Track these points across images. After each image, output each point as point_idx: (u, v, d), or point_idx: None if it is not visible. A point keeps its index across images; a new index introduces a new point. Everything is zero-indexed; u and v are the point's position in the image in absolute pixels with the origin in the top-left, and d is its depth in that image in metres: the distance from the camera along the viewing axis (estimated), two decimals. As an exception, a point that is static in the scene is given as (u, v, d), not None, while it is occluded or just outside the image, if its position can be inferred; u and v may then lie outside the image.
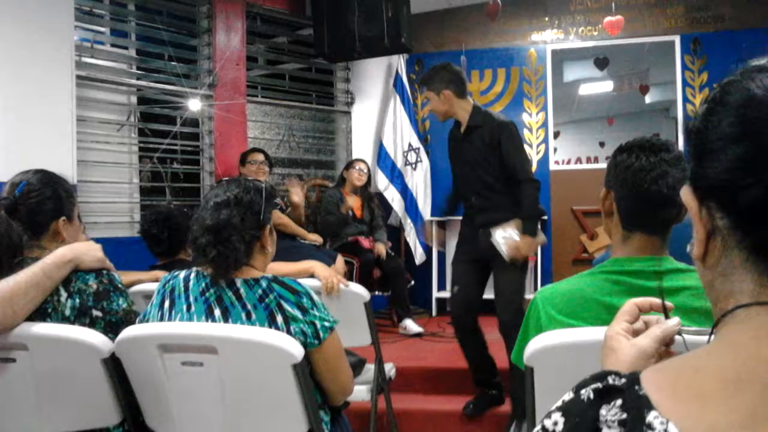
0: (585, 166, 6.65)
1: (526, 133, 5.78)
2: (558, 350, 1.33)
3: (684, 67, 5.47)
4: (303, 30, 5.64)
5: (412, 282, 5.21)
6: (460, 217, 3.58)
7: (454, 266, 3.55)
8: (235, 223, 1.65)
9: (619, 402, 0.58)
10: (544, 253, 5.62)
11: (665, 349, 0.88)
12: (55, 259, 1.71)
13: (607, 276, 1.42)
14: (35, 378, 1.70)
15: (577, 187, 5.53)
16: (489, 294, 3.36)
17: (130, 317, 1.79)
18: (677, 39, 5.48)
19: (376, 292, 4.92)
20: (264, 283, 1.64)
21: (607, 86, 8.54)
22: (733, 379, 0.55)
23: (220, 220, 1.64)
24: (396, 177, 5.71)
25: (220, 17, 4.96)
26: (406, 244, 5.75)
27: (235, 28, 5.05)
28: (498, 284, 3.31)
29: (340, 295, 2.53)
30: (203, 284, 1.67)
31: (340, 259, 4.22)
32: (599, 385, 0.61)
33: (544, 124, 5.79)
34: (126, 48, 4.66)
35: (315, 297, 1.67)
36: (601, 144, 8.85)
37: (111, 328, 1.74)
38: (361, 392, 2.68)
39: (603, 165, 1.54)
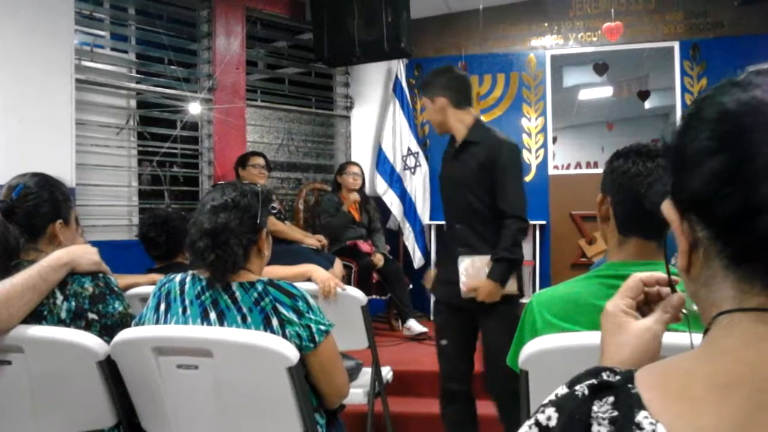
0: (583, 171, 6.66)
1: (525, 138, 5.79)
2: (553, 354, 1.33)
3: (683, 72, 5.47)
4: (303, 34, 5.65)
5: (411, 286, 5.21)
6: None
7: (435, 317, 3.00)
8: (233, 226, 1.65)
9: (611, 399, 0.59)
10: (543, 258, 5.62)
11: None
12: (51, 262, 1.71)
13: (603, 280, 1.42)
14: (31, 380, 1.70)
15: (575, 192, 5.54)
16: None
17: (126, 320, 1.79)
18: (676, 45, 5.49)
19: (374, 296, 4.92)
20: (260, 287, 1.64)
21: (606, 91, 8.54)
22: (722, 383, 0.56)
23: (217, 223, 1.64)
24: (395, 181, 5.72)
25: (220, 21, 4.97)
26: (405, 247, 5.75)
27: (235, 32, 5.06)
28: (486, 343, 2.80)
29: (337, 298, 2.53)
30: (199, 287, 1.68)
31: (338, 263, 4.22)
32: (594, 381, 0.62)
33: (543, 129, 5.80)
34: (126, 52, 4.67)
35: (311, 300, 1.67)
36: (602, 149, 8.85)
37: (107, 331, 1.74)
38: (357, 395, 2.68)
39: (601, 170, 1.54)
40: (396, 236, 5.78)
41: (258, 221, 1.70)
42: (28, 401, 1.72)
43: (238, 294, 1.64)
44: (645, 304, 0.92)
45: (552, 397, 0.63)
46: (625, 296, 0.90)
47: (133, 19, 4.67)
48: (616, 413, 0.58)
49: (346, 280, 4.46)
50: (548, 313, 1.44)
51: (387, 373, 2.99)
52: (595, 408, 0.59)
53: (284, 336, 1.59)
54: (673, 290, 0.89)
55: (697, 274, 0.64)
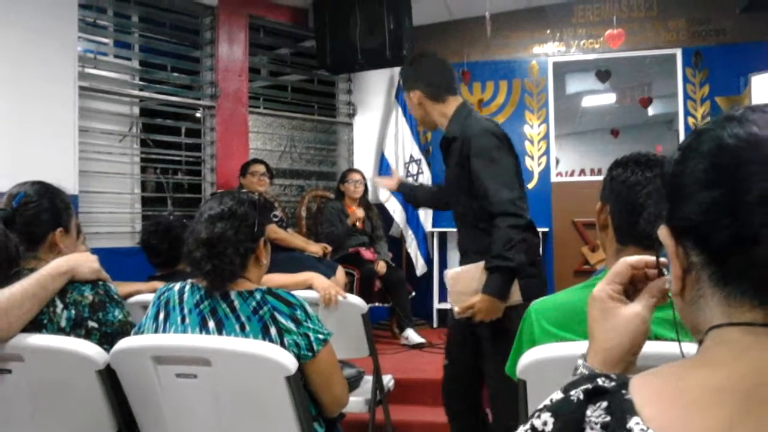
0: (586, 178, 6.66)
1: (527, 145, 5.80)
2: (551, 364, 1.33)
3: (685, 80, 5.47)
4: (305, 42, 5.67)
5: (413, 293, 5.20)
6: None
7: (449, 329, 2.75)
8: (230, 236, 1.65)
9: (604, 404, 0.61)
10: (546, 265, 5.61)
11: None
12: (51, 270, 1.71)
13: (601, 289, 1.41)
14: (31, 389, 1.71)
15: (578, 199, 5.53)
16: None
17: (125, 328, 1.79)
18: (679, 52, 5.49)
19: (377, 303, 4.91)
20: (258, 295, 1.64)
21: (609, 98, 8.55)
22: (714, 389, 0.58)
23: (214, 233, 1.64)
24: (397, 188, 5.71)
25: (223, 29, 4.99)
26: (408, 255, 5.74)
27: (237, 39, 5.08)
28: (486, 369, 2.46)
29: (338, 306, 2.53)
30: (198, 296, 1.68)
31: (340, 271, 4.22)
32: (589, 386, 0.63)
33: (546, 136, 5.80)
34: (129, 59, 4.69)
35: (309, 309, 1.67)
36: (605, 156, 8.85)
37: (106, 340, 1.74)
38: (358, 404, 2.67)
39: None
40: (399, 243, 5.77)
41: (255, 230, 1.70)
42: (28, 410, 1.72)
43: (236, 303, 1.64)
44: (631, 285, 0.91)
45: (547, 402, 0.65)
46: (613, 282, 0.90)
47: (137, 27, 4.69)
48: (608, 418, 0.59)
49: (349, 287, 4.45)
50: (546, 322, 1.44)
51: (388, 381, 2.98)
52: (588, 413, 0.60)
53: (282, 345, 1.59)
54: (660, 273, 0.89)
55: (689, 295, 0.67)
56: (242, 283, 1.69)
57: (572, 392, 0.63)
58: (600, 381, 0.63)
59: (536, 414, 0.64)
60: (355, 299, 2.56)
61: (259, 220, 1.72)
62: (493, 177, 2.29)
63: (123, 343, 1.65)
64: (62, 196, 1.94)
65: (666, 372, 0.63)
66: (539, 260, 2.61)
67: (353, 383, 2.82)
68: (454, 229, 2.72)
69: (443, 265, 5.74)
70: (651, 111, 8.13)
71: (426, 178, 5.80)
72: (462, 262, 2.50)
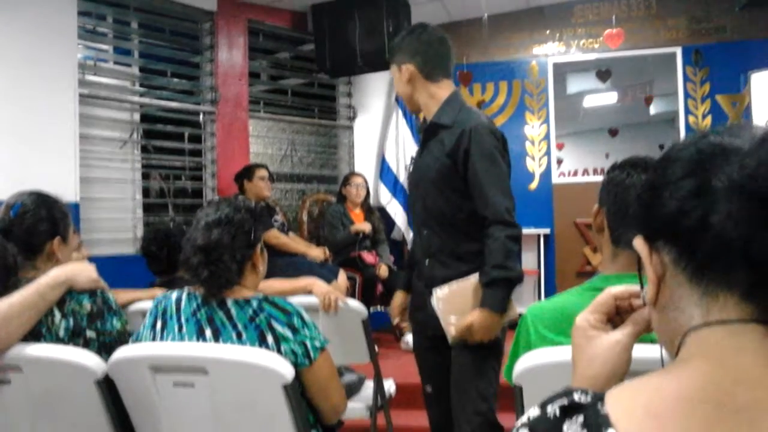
0: (587, 178, 6.63)
1: (528, 146, 5.79)
2: (546, 369, 1.32)
3: (686, 78, 5.46)
4: (305, 45, 5.67)
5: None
6: None
7: (416, 354, 2.41)
8: (226, 242, 1.65)
9: (581, 419, 0.61)
10: (548, 267, 5.61)
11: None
12: (49, 280, 1.72)
13: (595, 293, 1.40)
14: (29, 399, 1.71)
15: (579, 200, 5.50)
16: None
17: (124, 338, 1.79)
18: (679, 50, 5.48)
19: (379, 307, 4.91)
20: (255, 303, 1.64)
21: (611, 97, 8.54)
22: (689, 398, 0.58)
23: (210, 240, 1.64)
24: (398, 191, 5.71)
25: (223, 34, 5.00)
26: (410, 258, 5.73)
27: (237, 44, 5.09)
28: (454, 383, 2.18)
29: (338, 312, 2.52)
30: (194, 304, 1.68)
31: (342, 275, 4.22)
32: (565, 401, 0.64)
33: (547, 137, 5.79)
34: (129, 65, 4.70)
35: (306, 316, 1.67)
36: (607, 155, 8.85)
37: (105, 349, 1.74)
38: (359, 410, 2.67)
39: (608, 177, 1.54)
40: (400, 246, 5.77)
41: (252, 237, 1.71)
42: (27, 420, 1.72)
43: (233, 311, 1.64)
44: (617, 314, 0.92)
45: (524, 419, 0.66)
46: (597, 311, 0.91)
47: (136, 33, 4.70)
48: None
49: (350, 291, 4.45)
50: (542, 327, 1.44)
51: (390, 386, 2.97)
52: (565, 427, 0.61)
53: (279, 352, 1.58)
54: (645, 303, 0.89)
55: (665, 302, 0.68)
56: (239, 290, 1.69)
57: (549, 408, 0.64)
58: (576, 396, 0.64)
59: (515, 431, 0.65)
60: (355, 304, 2.55)
61: (255, 227, 1.73)
62: (494, 181, 2.07)
63: (120, 353, 1.65)
64: (59, 205, 1.94)
65: (642, 383, 0.63)
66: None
67: (354, 389, 2.82)
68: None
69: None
70: (653, 109, 8.13)
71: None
72: (430, 266, 2.21)
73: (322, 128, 5.95)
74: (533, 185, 5.73)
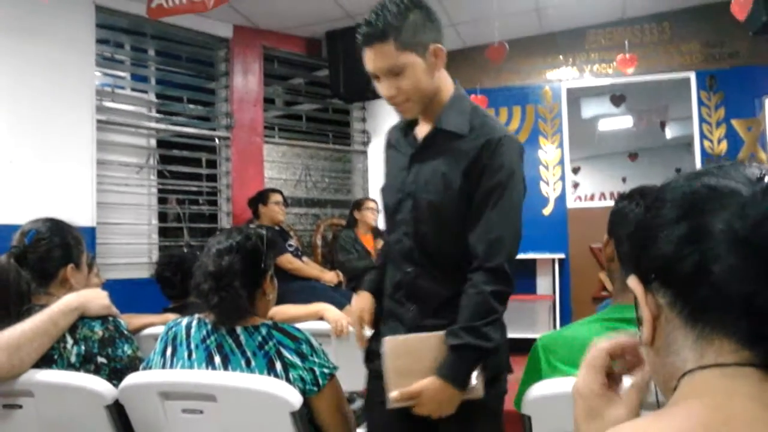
0: (602, 203, 6.61)
1: (542, 170, 5.79)
2: (556, 399, 1.31)
3: (700, 103, 5.45)
4: (319, 71, 5.73)
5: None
6: None
7: (368, 413, 1.81)
8: (237, 269, 1.66)
9: None
10: (563, 292, 5.56)
11: None
12: (61, 306, 1.73)
13: (607, 324, 1.40)
14: (41, 424, 1.72)
15: (594, 225, 5.42)
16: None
17: (134, 364, 1.80)
18: (693, 75, 5.48)
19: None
20: (264, 330, 1.65)
21: (627, 122, 8.53)
22: None
23: (221, 266, 1.66)
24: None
25: (238, 60, 5.06)
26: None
27: (252, 70, 5.15)
28: None
29: (350, 337, 2.52)
30: (204, 331, 1.69)
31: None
32: None
33: (561, 162, 5.79)
34: (146, 92, 4.77)
35: (315, 343, 1.67)
36: (624, 179, 8.82)
37: (116, 375, 1.75)
38: (371, 436, 2.64)
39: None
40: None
41: (263, 265, 1.72)
42: (38, 445, 1.73)
43: (242, 338, 1.65)
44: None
45: None
46: (596, 373, 0.83)
47: (153, 60, 4.78)
48: None
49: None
50: (553, 358, 1.43)
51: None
52: None
53: (288, 379, 1.59)
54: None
55: (661, 344, 0.68)
56: (248, 317, 1.69)
57: None
58: None
59: None
60: (366, 330, 2.54)
61: (266, 255, 1.74)
62: (506, 212, 1.57)
63: (130, 379, 1.66)
64: (73, 232, 1.96)
65: (637, 426, 0.64)
66: None
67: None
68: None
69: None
70: (669, 133, 8.10)
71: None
72: (419, 316, 1.66)
73: (337, 153, 5.98)
74: (547, 210, 5.71)
